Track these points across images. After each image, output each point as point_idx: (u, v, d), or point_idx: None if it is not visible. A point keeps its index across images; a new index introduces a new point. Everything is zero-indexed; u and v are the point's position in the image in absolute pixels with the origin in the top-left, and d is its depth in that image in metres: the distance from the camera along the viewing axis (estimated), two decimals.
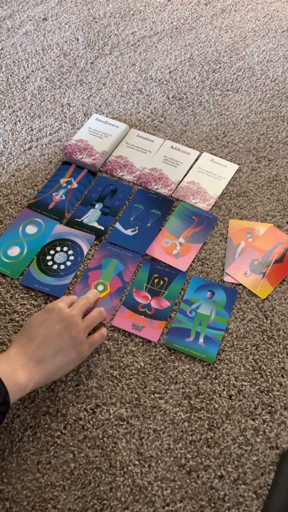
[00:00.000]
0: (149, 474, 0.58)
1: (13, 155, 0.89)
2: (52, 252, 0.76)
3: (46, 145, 0.91)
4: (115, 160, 0.89)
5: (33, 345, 0.58)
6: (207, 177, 0.87)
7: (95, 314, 0.65)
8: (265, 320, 0.71)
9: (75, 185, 0.85)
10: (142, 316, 0.70)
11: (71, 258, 0.76)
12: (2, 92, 0.99)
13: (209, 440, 0.61)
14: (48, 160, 0.88)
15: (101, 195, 0.84)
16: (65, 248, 0.77)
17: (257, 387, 0.65)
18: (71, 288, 0.73)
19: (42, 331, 0.59)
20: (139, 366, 0.66)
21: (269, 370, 0.66)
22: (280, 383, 0.65)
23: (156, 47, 1.10)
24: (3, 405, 0.50)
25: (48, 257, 0.76)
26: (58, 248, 0.77)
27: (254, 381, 0.65)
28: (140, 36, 1.12)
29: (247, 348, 0.68)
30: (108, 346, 0.68)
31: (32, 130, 0.93)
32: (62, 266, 0.75)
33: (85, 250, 0.77)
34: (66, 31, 1.13)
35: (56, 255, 0.76)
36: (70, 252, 0.77)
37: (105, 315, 0.67)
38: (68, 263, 0.75)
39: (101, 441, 0.60)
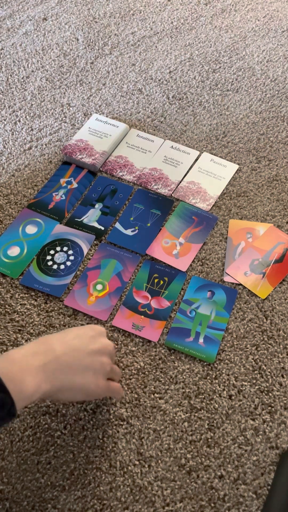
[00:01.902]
0: (149, 474, 0.58)
1: (13, 155, 0.89)
2: (52, 252, 0.76)
3: (46, 145, 0.91)
4: (115, 160, 0.89)
5: (56, 352, 0.52)
6: (207, 177, 0.87)
7: (119, 370, 0.62)
8: (265, 320, 0.71)
9: (75, 185, 0.85)
10: (142, 316, 0.70)
11: (71, 258, 0.76)
12: (2, 92, 0.99)
13: (209, 440, 0.61)
14: (48, 160, 0.88)
15: (101, 195, 0.84)
16: (65, 248, 0.77)
17: (257, 387, 0.65)
18: (70, 288, 0.73)
19: (74, 342, 0.54)
20: (139, 366, 0.66)
21: (269, 370, 0.66)
22: (280, 383, 0.65)
23: (156, 47, 1.10)
24: (8, 417, 0.47)
25: (48, 257, 0.76)
26: (58, 248, 0.77)
27: (254, 381, 0.65)
28: (140, 36, 1.12)
29: (247, 348, 0.68)
30: None
31: (32, 130, 0.93)
32: (62, 266, 0.75)
33: (85, 250, 0.77)
34: (66, 31, 1.13)
35: (56, 255, 0.76)
36: (70, 252, 0.76)
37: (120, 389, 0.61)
38: (68, 263, 0.75)
39: (101, 441, 0.60)
